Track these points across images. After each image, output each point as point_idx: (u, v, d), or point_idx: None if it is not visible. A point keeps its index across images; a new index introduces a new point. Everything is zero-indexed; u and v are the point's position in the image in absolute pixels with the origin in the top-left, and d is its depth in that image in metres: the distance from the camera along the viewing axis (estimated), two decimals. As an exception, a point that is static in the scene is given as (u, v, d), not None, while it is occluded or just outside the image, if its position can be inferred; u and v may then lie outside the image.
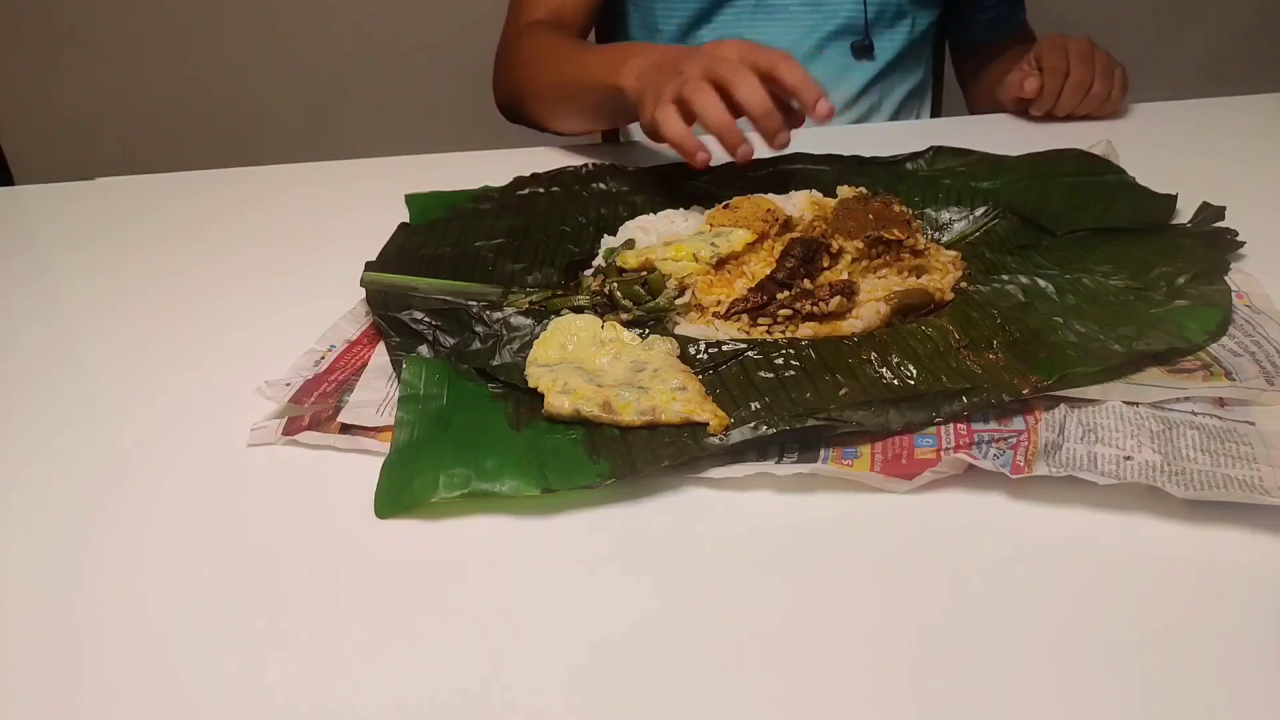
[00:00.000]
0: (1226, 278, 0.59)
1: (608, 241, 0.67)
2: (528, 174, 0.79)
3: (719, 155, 0.81)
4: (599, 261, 0.65)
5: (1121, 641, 0.37)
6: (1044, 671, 0.36)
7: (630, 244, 0.65)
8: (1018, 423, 0.48)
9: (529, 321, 0.58)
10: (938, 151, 0.79)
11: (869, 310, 0.57)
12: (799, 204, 0.67)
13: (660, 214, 0.69)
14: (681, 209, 0.69)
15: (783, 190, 0.70)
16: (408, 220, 0.74)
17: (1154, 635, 0.38)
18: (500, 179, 0.79)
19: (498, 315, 0.59)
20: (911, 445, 0.48)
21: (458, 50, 0.99)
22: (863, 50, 0.99)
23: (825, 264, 0.59)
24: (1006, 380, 0.50)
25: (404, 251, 0.68)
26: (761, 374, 0.52)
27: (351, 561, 0.44)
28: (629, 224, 0.68)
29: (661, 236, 0.66)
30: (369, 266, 0.65)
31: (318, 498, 0.48)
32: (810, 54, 1.00)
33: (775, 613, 0.40)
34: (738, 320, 0.57)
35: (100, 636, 0.40)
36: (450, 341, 0.57)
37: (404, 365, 0.54)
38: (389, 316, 0.59)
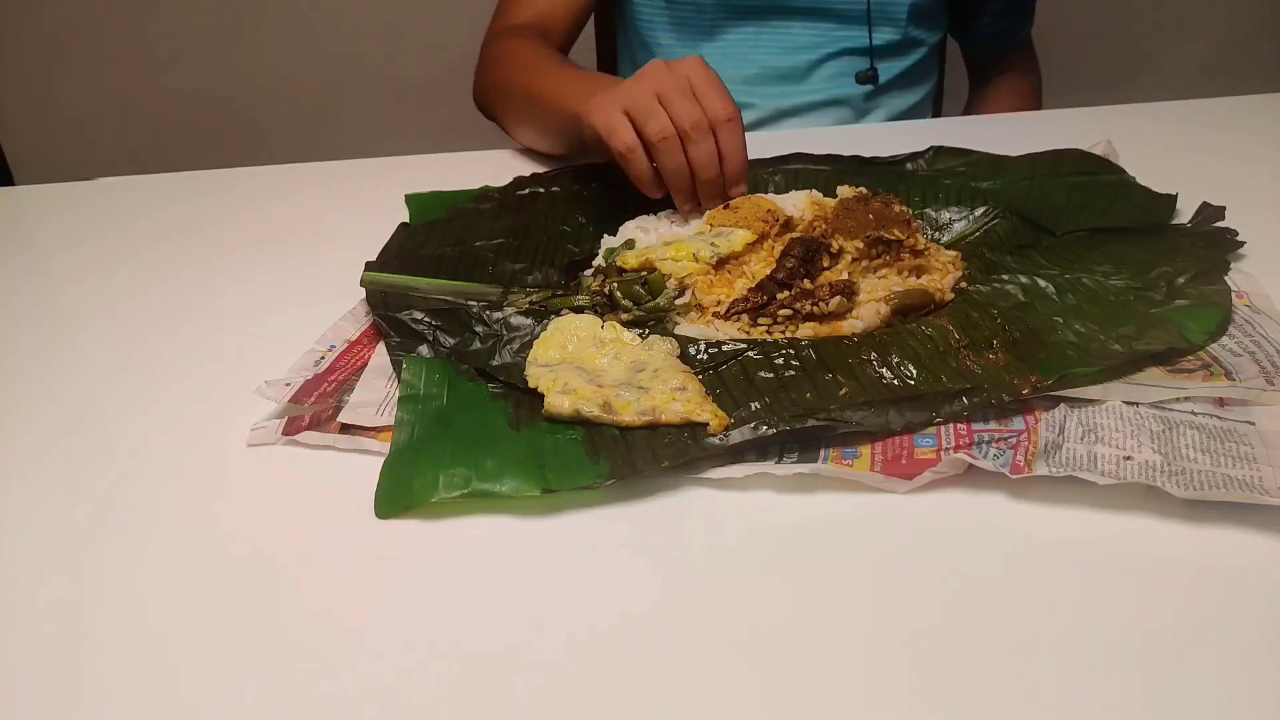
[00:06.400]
0: (1226, 278, 0.59)
1: (608, 241, 0.67)
2: (528, 174, 0.79)
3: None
4: (599, 261, 0.65)
5: (1121, 641, 0.37)
6: (1044, 671, 0.36)
7: (630, 244, 0.65)
8: (1018, 423, 0.48)
9: (529, 321, 0.58)
10: (938, 151, 0.79)
11: (869, 310, 0.57)
12: (799, 204, 0.67)
13: (660, 214, 0.69)
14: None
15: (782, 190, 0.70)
16: (408, 220, 0.74)
17: (1154, 635, 0.38)
18: (500, 179, 0.79)
19: (498, 315, 0.59)
20: (911, 445, 0.48)
21: (458, 50, 0.99)
22: (868, 79, 1.00)
23: (825, 264, 0.59)
24: (1006, 380, 0.50)
25: (404, 251, 0.68)
26: (761, 374, 0.52)
27: (352, 561, 0.44)
28: (629, 224, 0.68)
29: (661, 236, 0.66)
30: (369, 266, 0.65)
31: (318, 498, 0.48)
32: (812, 73, 1.00)
33: (775, 613, 0.40)
34: (738, 320, 0.57)
35: (100, 636, 0.40)
36: (450, 341, 0.57)
37: (404, 365, 0.54)
38: (389, 316, 0.59)
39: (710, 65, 0.67)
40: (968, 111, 1.15)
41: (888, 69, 1.01)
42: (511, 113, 0.88)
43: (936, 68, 1.09)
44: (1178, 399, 0.48)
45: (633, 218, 0.69)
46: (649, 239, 0.66)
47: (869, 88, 1.00)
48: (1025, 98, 1.12)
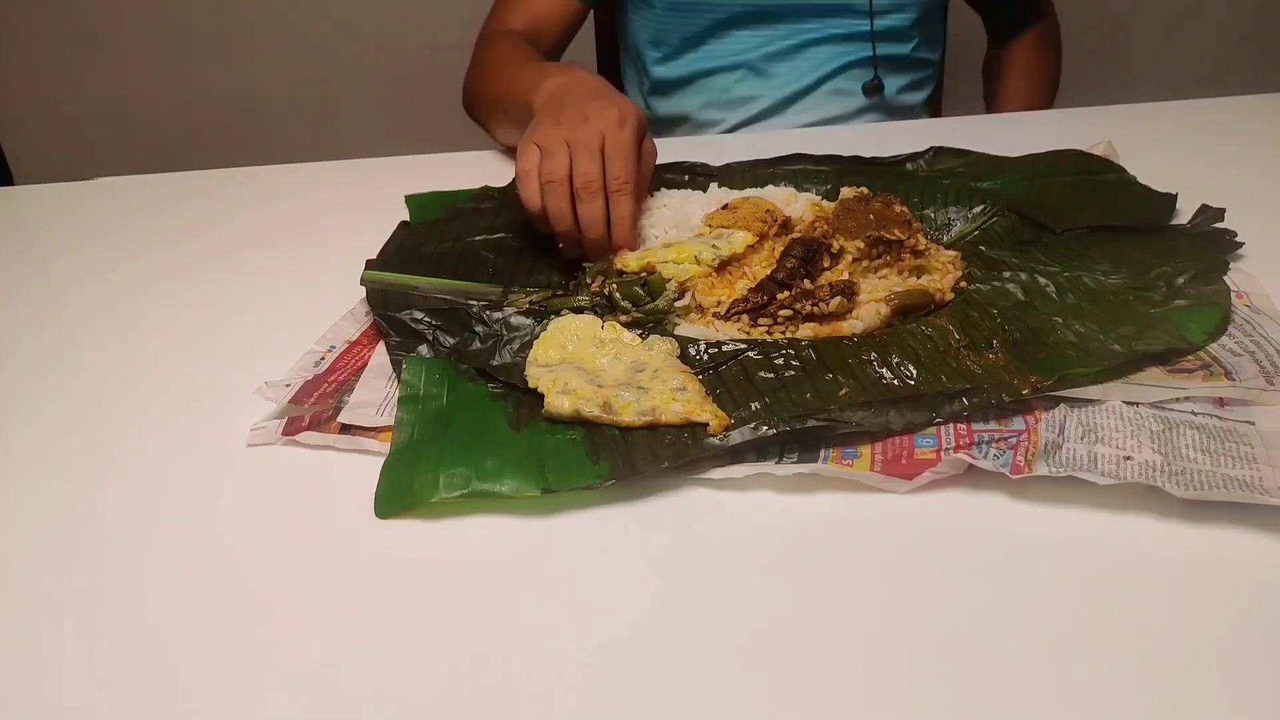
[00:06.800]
0: (1226, 278, 0.59)
1: None
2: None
3: (726, 155, 0.81)
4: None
5: (1121, 641, 0.37)
6: (1043, 671, 0.36)
7: (605, 261, 0.65)
8: (1018, 423, 0.48)
9: (529, 321, 0.58)
10: (938, 152, 0.79)
11: (869, 311, 0.57)
12: (800, 205, 0.67)
13: (656, 195, 0.70)
14: (675, 190, 0.71)
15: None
16: (408, 220, 0.74)
17: (1153, 635, 0.38)
18: (500, 179, 0.79)
19: (498, 315, 0.59)
20: (911, 445, 0.48)
21: (458, 50, 0.99)
22: (874, 89, 1.00)
23: (826, 264, 0.59)
24: (1006, 380, 0.50)
25: (404, 249, 0.68)
26: (761, 374, 0.52)
27: (351, 561, 0.44)
28: None
29: (645, 234, 0.66)
30: (369, 265, 0.65)
31: (318, 498, 0.48)
32: (818, 85, 1.00)
33: (775, 613, 0.40)
34: (738, 321, 0.57)
35: (99, 636, 0.40)
36: (450, 341, 0.57)
37: (404, 365, 0.54)
38: (389, 316, 0.59)
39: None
40: (987, 67, 1.15)
41: (893, 82, 1.01)
42: (491, 113, 0.89)
43: (937, 77, 1.09)
44: (1178, 399, 0.48)
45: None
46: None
47: (872, 100, 1.01)
48: (1049, 44, 1.12)
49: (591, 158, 0.63)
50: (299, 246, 0.76)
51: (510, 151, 0.89)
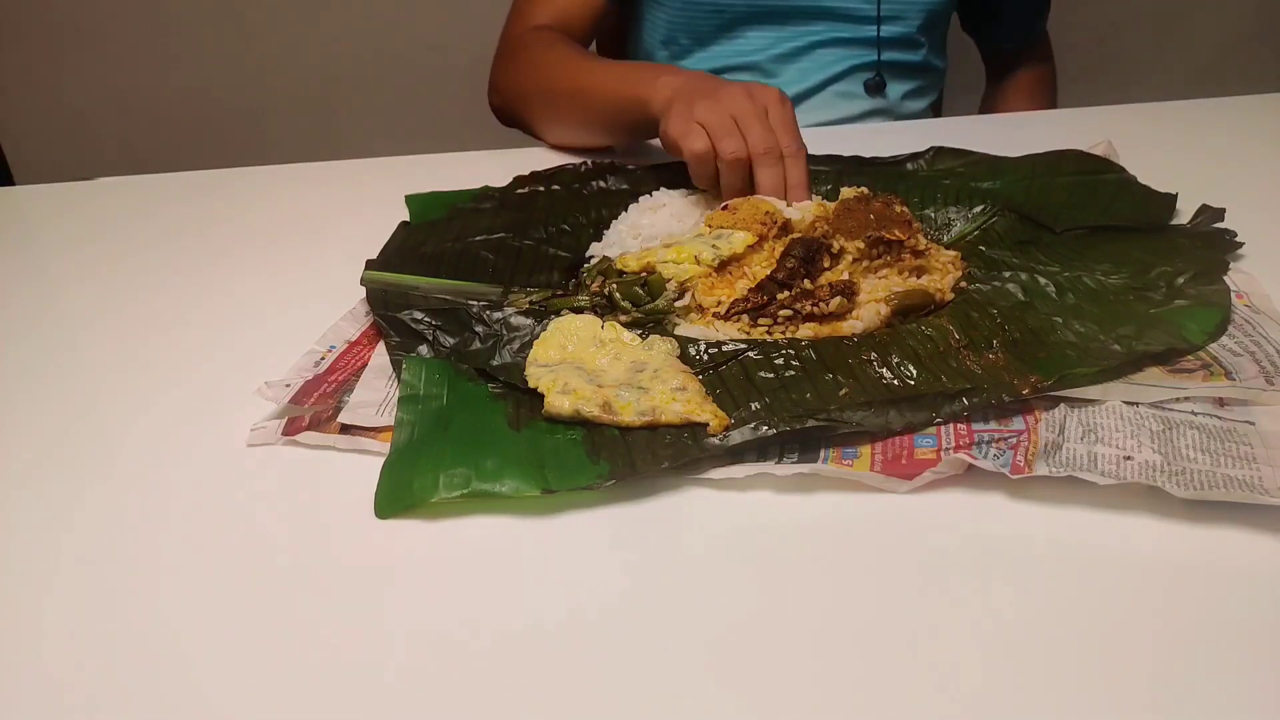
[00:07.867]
0: (1226, 278, 0.59)
1: (596, 248, 0.67)
2: (527, 174, 0.79)
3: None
4: (595, 260, 0.65)
5: (1121, 642, 0.37)
6: (1043, 671, 0.36)
7: (604, 261, 0.65)
8: (1018, 423, 0.48)
9: (529, 321, 0.58)
10: (938, 152, 0.79)
11: (869, 311, 0.57)
12: (803, 206, 0.67)
13: (655, 194, 0.70)
14: (672, 190, 0.71)
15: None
16: (408, 220, 0.74)
17: (1154, 635, 0.38)
18: (500, 179, 0.79)
19: (498, 315, 0.59)
20: (911, 445, 0.48)
21: (458, 50, 0.99)
22: (875, 88, 1.00)
23: (826, 264, 0.59)
24: (1006, 380, 0.50)
25: (404, 249, 0.68)
26: (761, 374, 0.52)
27: (351, 562, 0.44)
28: (619, 225, 0.68)
29: (658, 236, 0.66)
30: (369, 265, 0.65)
31: (318, 498, 0.48)
32: (823, 87, 1.00)
33: (775, 612, 0.40)
34: (738, 321, 0.57)
35: (99, 637, 0.40)
36: (450, 341, 0.57)
37: (404, 365, 0.54)
38: (389, 316, 0.59)
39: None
40: (985, 105, 1.16)
41: (898, 87, 1.01)
42: (551, 111, 0.88)
43: (939, 87, 1.09)
44: (1178, 399, 0.48)
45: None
46: (634, 245, 0.66)
47: (874, 99, 1.01)
48: (1044, 87, 1.13)
49: (765, 127, 0.67)
50: (299, 246, 0.76)
51: (512, 150, 0.89)
